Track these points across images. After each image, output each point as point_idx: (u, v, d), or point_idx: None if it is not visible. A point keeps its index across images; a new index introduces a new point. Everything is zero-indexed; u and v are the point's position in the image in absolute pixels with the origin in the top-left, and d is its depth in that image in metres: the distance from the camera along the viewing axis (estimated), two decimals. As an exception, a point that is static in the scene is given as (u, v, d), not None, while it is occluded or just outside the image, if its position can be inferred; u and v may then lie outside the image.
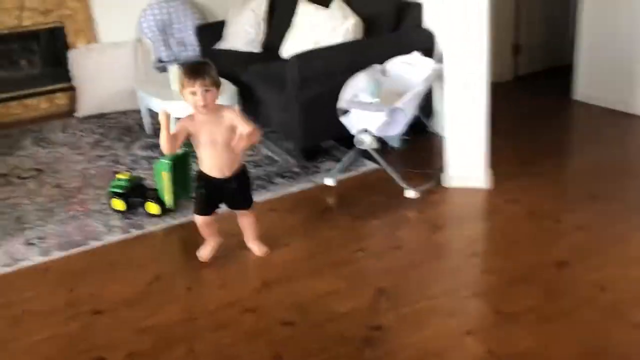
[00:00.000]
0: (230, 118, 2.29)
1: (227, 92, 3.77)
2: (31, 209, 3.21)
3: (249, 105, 3.91)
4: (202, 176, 2.40)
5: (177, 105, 3.63)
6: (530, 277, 2.31)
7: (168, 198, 2.95)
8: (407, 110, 2.97)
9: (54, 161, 3.90)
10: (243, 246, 2.62)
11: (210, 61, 2.29)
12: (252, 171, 3.44)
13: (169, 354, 2.04)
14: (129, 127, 4.45)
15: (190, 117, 2.33)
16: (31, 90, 4.96)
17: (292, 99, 3.37)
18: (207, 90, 2.18)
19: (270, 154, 3.72)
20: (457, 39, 2.84)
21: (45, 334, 2.20)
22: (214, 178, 2.36)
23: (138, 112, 4.47)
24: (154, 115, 4.30)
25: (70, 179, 3.57)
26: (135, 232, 2.88)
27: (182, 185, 3.03)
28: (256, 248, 2.57)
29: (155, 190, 3.07)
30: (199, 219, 2.49)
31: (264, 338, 2.08)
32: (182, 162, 3.02)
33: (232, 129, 2.27)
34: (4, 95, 4.86)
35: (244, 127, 2.25)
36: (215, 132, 2.27)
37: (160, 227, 2.92)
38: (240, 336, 2.10)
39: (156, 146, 3.98)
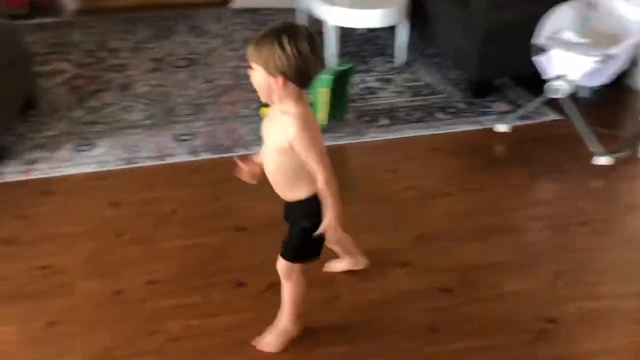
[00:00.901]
0: (286, 130, 1.40)
1: (396, 4, 3.35)
2: (181, 102, 3.12)
3: (418, 20, 3.48)
4: None
5: (344, 14, 3.31)
6: None
7: (322, 116, 2.70)
8: (622, 58, 2.43)
9: (206, 53, 3.77)
10: (404, 189, 2.35)
11: (300, 29, 1.38)
12: (410, 100, 3.09)
13: (314, 295, 1.86)
14: (283, 27, 4.20)
15: None
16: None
17: (476, 21, 2.90)
18: (251, 68, 1.41)
19: (431, 82, 3.32)
20: None
21: (187, 241, 2.11)
22: None
23: (293, 11, 4.21)
24: (312, 20, 4.02)
25: (222, 75, 3.42)
26: (283, 147, 2.70)
27: (337, 104, 2.77)
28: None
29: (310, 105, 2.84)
30: None
31: (418, 303, 1.83)
32: (343, 79, 2.74)
33: (283, 143, 1.42)
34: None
35: (310, 161, 1.41)
36: (268, 131, 1.50)
37: (309, 146, 2.71)
38: (391, 294, 1.86)
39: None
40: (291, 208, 1.56)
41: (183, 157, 2.61)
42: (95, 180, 2.47)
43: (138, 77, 3.41)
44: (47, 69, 3.53)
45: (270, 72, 1.37)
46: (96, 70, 3.52)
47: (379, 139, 2.73)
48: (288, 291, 1.63)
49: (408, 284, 1.91)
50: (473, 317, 1.77)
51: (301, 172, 1.45)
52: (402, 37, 3.46)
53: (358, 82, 3.22)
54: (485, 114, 2.94)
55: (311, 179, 1.46)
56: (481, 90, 3.09)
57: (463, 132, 2.79)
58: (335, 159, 2.60)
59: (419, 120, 2.89)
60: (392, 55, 3.67)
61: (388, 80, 3.33)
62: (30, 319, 1.78)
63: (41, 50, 3.82)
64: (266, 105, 2.81)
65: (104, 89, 3.25)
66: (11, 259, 2.02)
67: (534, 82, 2.70)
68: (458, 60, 3.20)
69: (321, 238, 1.52)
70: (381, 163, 2.47)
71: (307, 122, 1.40)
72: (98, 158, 2.60)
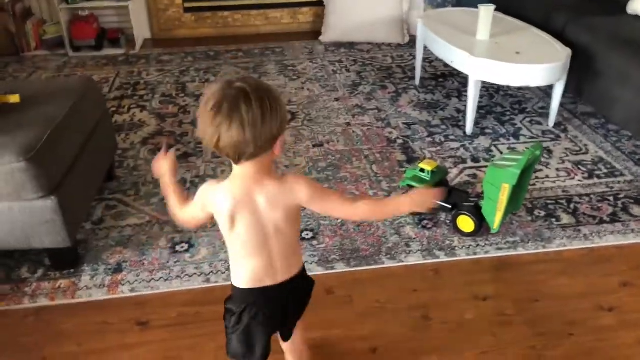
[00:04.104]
0: (294, 196, 1.12)
1: (559, 57, 2.59)
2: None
3: (577, 74, 2.73)
4: (241, 296, 1.21)
5: (485, 64, 2.57)
6: None
7: (497, 218, 1.96)
8: None
9: (307, 103, 3.05)
10: (636, 344, 1.60)
11: (269, 85, 1.05)
12: (587, 185, 2.29)
13: None
14: (389, 70, 3.47)
15: (222, 187, 1.12)
16: (277, 0, 4.14)
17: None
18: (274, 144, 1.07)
19: (602, 155, 2.56)
20: None
21: None
22: (265, 289, 1.19)
23: (394, 47, 3.57)
24: (435, 61, 3.33)
25: (332, 136, 2.69)
26: (443, 258, 1.96)
27: (515, 199, 2.03)
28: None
29: (473, 198, 2.11)
30: None
31: None
32: (528, 169, 1.99)
33: (294, 210, 1.14)
34: (247, 2, 4.10)
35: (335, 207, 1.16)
36: (264, 215, 1.12)
37: (473, 256, 1.97)
38: None
39: (431, 106, 3.01)
40: (290, 285, 1.21)
41: (314, 269, 1.90)
42: (192, 304, 1.77)
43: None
44: (123, 119, 2.87)
45: (275, 139, 1.06)
46: (179, 124, 2.84)
47: (570, 247, 1.99)
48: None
49: None
50: None
51: (297, 235, 1.22)
52: (557, 96, 2.70)
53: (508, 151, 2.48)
54: (696, 210, 2.17)
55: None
56: (681, 175, 2.33)
57: (678, 238, 2.03)
58: (513, 280, 1.87)
59: (613, 219, 2.13)
60: (533, 112, 2.93)
61: (547, 152, 2.58)
62: None
63: (113, 93, 3.18)
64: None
65: (194, 154, 2.57)
66: None
67: None
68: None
69: None
70: (588, 293, 1.72)
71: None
72: (200, 264, 1.91)
